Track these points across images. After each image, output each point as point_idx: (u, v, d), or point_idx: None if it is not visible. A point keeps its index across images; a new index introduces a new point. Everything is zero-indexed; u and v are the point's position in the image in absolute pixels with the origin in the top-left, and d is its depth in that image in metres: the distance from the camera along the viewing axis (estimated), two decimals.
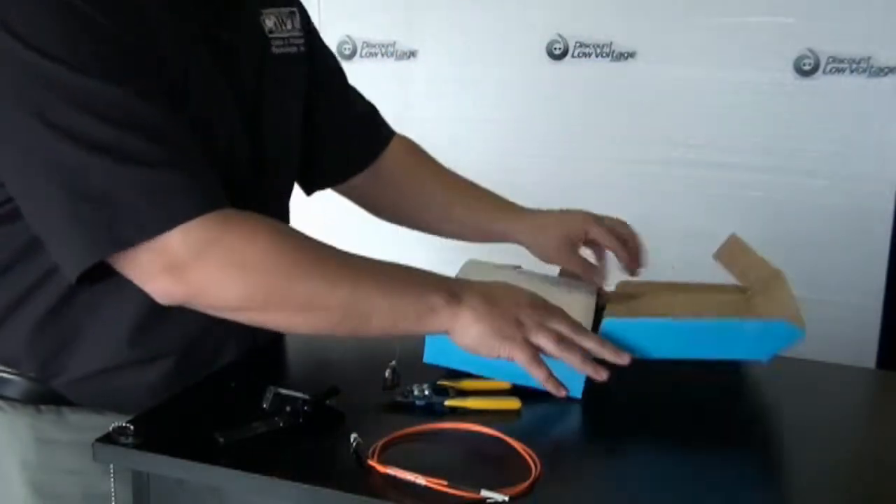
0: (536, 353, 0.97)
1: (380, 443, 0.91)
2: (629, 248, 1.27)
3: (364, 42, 2.44)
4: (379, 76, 2.41)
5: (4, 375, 1.07)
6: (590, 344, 0.99)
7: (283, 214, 1.23)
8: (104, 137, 0.90)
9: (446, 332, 0.99)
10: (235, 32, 1.08)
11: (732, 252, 1.22)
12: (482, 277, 1.08)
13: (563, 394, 0.98)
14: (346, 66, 2.38)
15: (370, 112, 1.37)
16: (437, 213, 1.36)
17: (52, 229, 0.94)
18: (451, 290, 0.98)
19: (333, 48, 2.42)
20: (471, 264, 1.25)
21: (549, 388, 0.98)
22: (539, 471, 0.85)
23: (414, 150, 1.40)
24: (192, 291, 0.94)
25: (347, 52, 2.45)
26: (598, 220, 1.28)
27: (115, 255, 0.92)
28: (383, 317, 0.97)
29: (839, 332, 2.07)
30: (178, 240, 0.91)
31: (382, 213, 1.40)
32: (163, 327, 1.06)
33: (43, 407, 1.07)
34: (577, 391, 1.03)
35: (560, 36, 2.26)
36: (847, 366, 1.26)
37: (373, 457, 0.88)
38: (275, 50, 1.14)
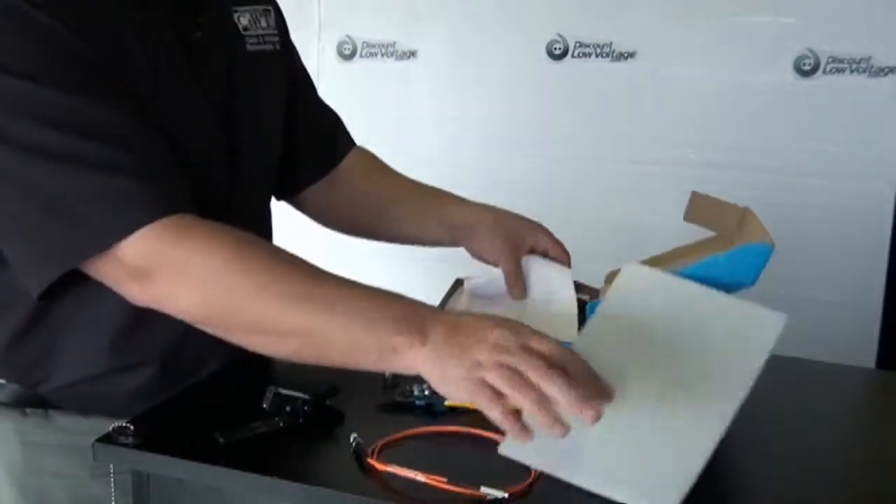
0: (492, 392, 0.81)
1: (379, 443, 0.91)
2: None
3: (364, 42, 2.43)
4: (379, 76, 2.41)
5: None
6: (552, 391, 0.79)
7: (263, 213, 1.22)
8: (61, 147, 0.89)
9: (401, 367, 0.86)
10: (207, 31, 1.07)
11: (699, 208, 1.23)
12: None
13: (527, 437, 0.81)
14: (346, 66, 2.38)
15: (334, 121, 1.35)
16: (391, 219, 1.31)
17: (12, 246, 0.94)
18: (416, 326, 0.85)
19: (333, 48, 2.44)
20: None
21: (508, 427, 0.81)
22: (538, 471, 0.85)
23: (370, 160, 1.35)
24: (155, 299, 0.92)
25: (347, 52, 2.45)
26: (548, 233, 1.27)
27: (82, 266, 0.92)
28: (342, 352, 0.88)
29: (839, 332, 2.07)
30: (134, 248, 0.89)
31: (335, 224, 1.36)
32: (143, 335, 1.05)
33: (28, 410, 1.07)
34: None
35: (560, 36, 2.26)
36: (847, 366, 1.26)
37: (372, 456, 0.88)
38: (249, 47, 1.13)
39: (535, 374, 0.80)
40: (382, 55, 2.43)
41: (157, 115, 0.98)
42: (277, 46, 1.18)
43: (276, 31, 1.18)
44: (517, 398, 0.80)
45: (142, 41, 0.98)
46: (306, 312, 0.88)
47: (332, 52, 2.44)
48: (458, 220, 1.26)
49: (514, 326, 0.85)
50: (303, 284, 0.89)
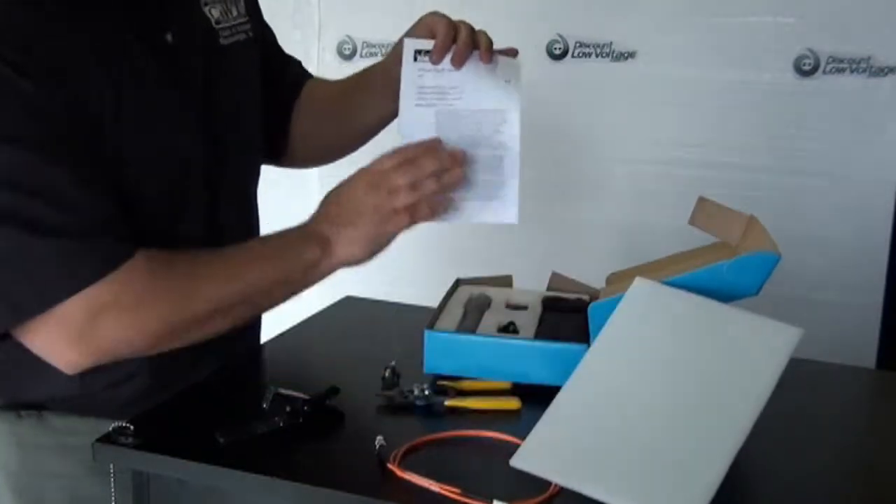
0: (405, 211, 1.04)
1: (403, 448, 0.90)
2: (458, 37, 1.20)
3: (364, 42, 2.43)
4: None
5: None
6: (425, 170, 1.05)
7: (248, 203, 1.22)
8: (5, 206, 0.89)
9: (341, 266, 1.06)
10: (177, 32, 1.05)
11: (705, 214, 1.24)
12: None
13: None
14: (346, 66, 2.38)
15: (294, 66, 1.36)
16: (355, 110, 1.31)
17: None
18: (319, 237, 1.05)
19: (333, 48, 2.43)
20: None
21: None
22: (557, 487, 0.85)
23: (316, 81, 1.37)
24: (99, 354, 0.96)
25: (347, 52, 2.44)
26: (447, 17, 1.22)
27: (16, 328, 0.92)
28: (280, 290, 1.05)
29: (839, 332, 2.06)
30: (71, 310, 0.91)
31: (323, 151, 1.36)
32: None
33: (23, 412, 1.07)
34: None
35: (560, 36, 2.26)
36: (847, 366, 1.26)
37: (394, 461, 0.88)
38: (223, 41, 1.12)
39: (414, 175, 1.04)
40: (382, 55, 2.42)
41: (127, 131, 0.97)
42: (250, 34, 1.17)
43: (246, 19, 1.17)
44: (426, 190, 1.04)
45: (103, 59, 0.96)
46: (241, 280, 1.02)
47: (332, 52, 2.43)
48: (383, 64, 1.27)
49: (364, 174, 1.06)
50: (220, 262, 1.03)
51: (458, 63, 1.14)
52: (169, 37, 1.04)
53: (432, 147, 1.07)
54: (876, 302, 2.11)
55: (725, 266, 1.03)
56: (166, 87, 1.03)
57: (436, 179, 1.05)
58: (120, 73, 0.97)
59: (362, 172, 1.07)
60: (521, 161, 1.16)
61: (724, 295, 1.03)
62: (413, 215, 1.04)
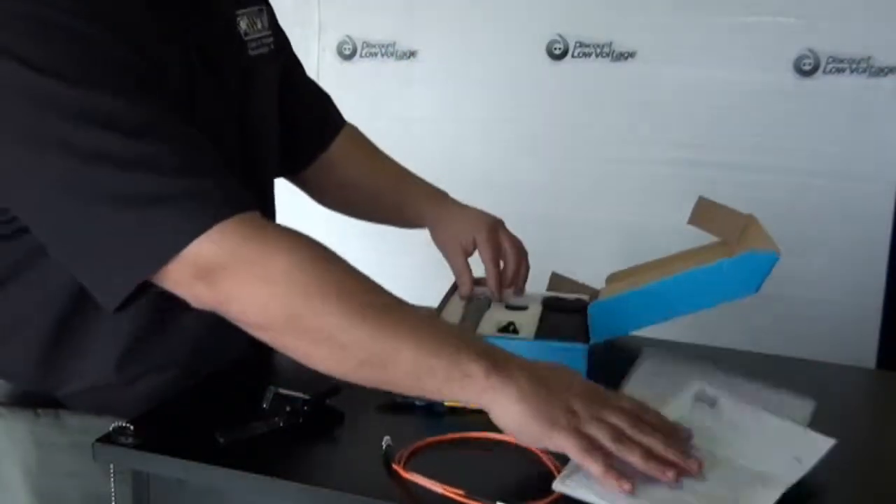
0: (590, 443, 0.83)
1: (409, 448, 0.90)
2: (505, 271, 1.25)
3: (364, 42, 2.43)
4: (379, 76, 2.41)
5: (2, 381, 1.07)
6: (651, 442, 0.84)
7: (269, 212, 1.23)
8: (127, 153, 0.87)
9: (481, 406, 0.86)
10: (215, 42, 1.07)
11: (704, 213, 1.24)
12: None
13: (626, 488, 0.81)
14: (346, 66, 2.38)
15: (322, 102, 1.37)
16: (366, 199, 1.37)
17: (79, 262, 0.92)
18: (494, 359, 0.85)
19: (333, 48, 2.43)
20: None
21: (609, 481, 0.81)
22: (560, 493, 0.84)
23: (356, 146, 1.39)
24: (221, 299, 0.89)
25: (347, 52, 2.45)
26: (493, 230, 1.25)
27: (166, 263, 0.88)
28: (406, 370, 0.86)
29: (839, 332, 2.07)
30: (207, 246, 0.86)
31: (330, 206, 1.40)
32: (166, 339, 1.05)
33: (41, 411, 1.07)
34: None
35: (560, 36, 2.26)
36: (847, 366, 1.26)
37: (400, 462, 0.88)
38: (251, 52, 1.13)
39: (633, 431, 0.84)
40: (382, 55, 2.42)
41: (199, 113, 0.99)
42: (272, 47, 1.19)
43: (269, 32, 1.19)
44: (624, 453, 0.82)
45: (169, 56, 0.98)
46: (374, 327, 0.86)
47: (332, 52, 2.44)
48: (420, 220, 1.33)
49: (590, 383, 0.89)
50: (373, 299, 0.88)
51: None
52: (209, 45, 1.05)
53: (679, 430, 0.89)
54: (876, 302, 2.11)
55: (725, 264, 1.03)
56: (210, 93, 1.04)
57: (643, 454, 0.83)
58: (183, 69, 0.99)
59: (589, 383, 0.91)
60: None
61: (723, 293, 1.03)
62: (570, 445, 0.83)
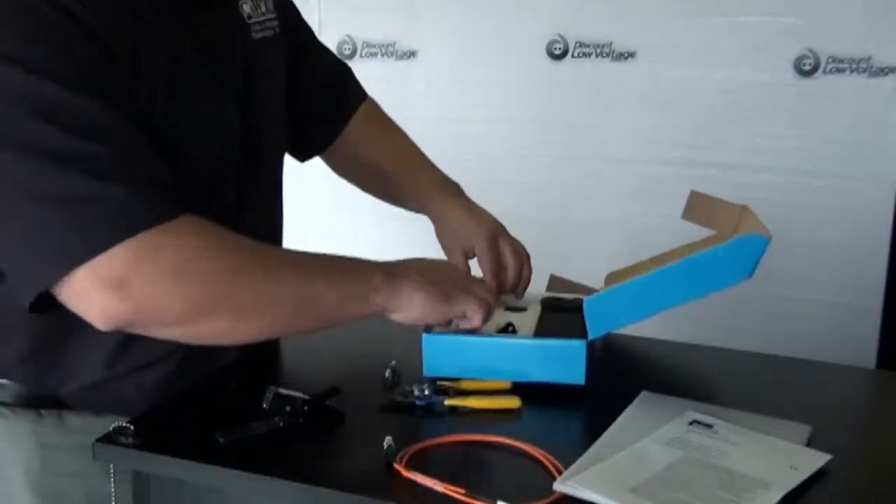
0: (478, 301, 1.06)
1: (411, 449, 0.90)
2: (504, 281, 1.25)
3: (364, 42, 2.44)
4: (379, 76, 2.40)
5: (4, 382, 1.07)
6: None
7: (276, 193, 1.24)
8: (68, 149, 0.87)
9: (388, 310, 1.02)
10: (217, 26, 1.07)
11: (697, 207, 1.24)
12: None
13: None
14: None
15: (340, 78, 1.37)
16: (379, 181, 1.37)
17: (5, 255, 0.92)
18: (388, 269, 1.02)
19: (333, 48, 2.42)
20: None
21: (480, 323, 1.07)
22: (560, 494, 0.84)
23: (373, 117, 1.39)
24: (136, 308, 0.90)
25: (347, 52, 2.45)
26: (493, 240, 1.25)
27: (64, 275, 0.89)
28: (330, 304, 0.99)
29: (839, 332, 2.07)
30: (119, 255, 0.88)
31: (347, 179, 1.41)
32: (149, 339, 1.03)
33: (44, 411, 1.07)
34: (579, 377, 1.04)
35: (560, 36, 2.26)
36: (847, 366, 1.26)
37: (401, 462, 0.88)
38: (255, 35, 1.14)
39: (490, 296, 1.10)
40: (382, 55, 2.43)
41: (181, 102, 0.99)
42: (277, 30, 1.19)
43: (274, 14, 1.18)
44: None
45: (158, 41, 0.98)
46: (295, 278, 0.97)
47: None
48: (425, 211, 1.33)
49: (456, 268, 1.18)
50: (281, 257, 1.01)
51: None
52: (209, 30, 1.06)
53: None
54: (876, 302, 2.11)
55: (718, 251, 1.03)
56: (209, 78, 1.05)
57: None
58: (175, 54, 0.99)
59: (455, 268, 1.18)
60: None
61: (718, 281, 1.03)
62: (467, 314, 1.07)
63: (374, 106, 1.40)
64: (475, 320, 1.06)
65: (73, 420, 1.07)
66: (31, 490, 1.07)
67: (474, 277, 1.17)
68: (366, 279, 1.00)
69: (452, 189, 1.32)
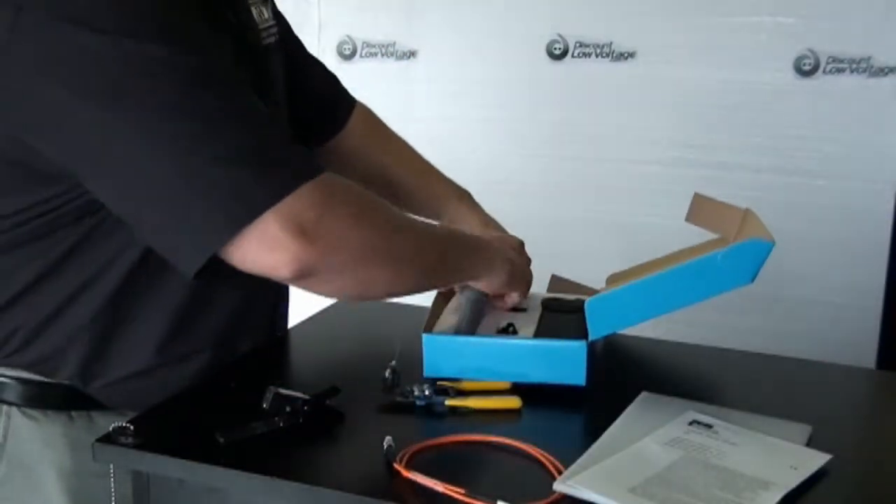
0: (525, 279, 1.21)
1: (411, 449, 0.90)
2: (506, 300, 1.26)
3: (364, 42, 2.44)
4: (379, 76, 2.41)
5: (38, 382, 1.06)
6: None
7: None
8: (221, 110, 0.90)
9: (480, 279, 1.14)
10: (245, 29, 1.09)
11: (701, 210, 1.24)
12: None
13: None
14: (346, 66, 2.37)
15: (331, 85, 1.38)
16: (384, 188, 1.34)
17: (168, 222, 0.92)
18: (489, 244, 1.16)
19: (333, 48, 2.43)
20: None
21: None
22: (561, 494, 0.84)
23: (370, 122, 1.40)
24: (323, 250, 0.92)
25: (347, 52, 2.45)
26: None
27: (240, 233, 0.89)
28: (454, 268, 1.11)
29: (839, 332, 2.07)
30: (306, 195, 0.90)
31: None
32: (198, 324, 1.07)
33: (74, 413, 1.07)
34: (579, 378, 1.04)
35: (560, 36, 2.26)
36: (847, 366, 1.26)
37: (401, 462, 0.88)
38: (264, 42, 1.14)
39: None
40: (382, 55, 2.43)
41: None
42: (277, 38, 1.19)
43: (274, 22, 1.19)
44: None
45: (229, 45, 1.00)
46: (433, 239, 1.08)
47: (332, 52, 2.44)
48: (437, 219, 1.33)
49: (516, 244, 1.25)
50: (416, 220, 1.09)
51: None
52: (248, 35, 1.08)
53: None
54: (876, 302, 2.11)
55: (719, 255, 1.03)
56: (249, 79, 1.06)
57: None
58: (234, 48, 1.02)
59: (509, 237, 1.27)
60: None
61: (719, 284, 1.03)
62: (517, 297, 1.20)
63: (370, 112, 1.41)
64: (516, 298, 1.20)
65: (102, 421, 1.06)
66: (66, 492, 1.06)
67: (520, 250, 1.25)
68: (490, 257, 1.14)
69: (465, 197, 1.35)
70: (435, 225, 1.16)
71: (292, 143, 0.97)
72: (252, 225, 0.88)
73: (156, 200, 0.91)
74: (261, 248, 0.90)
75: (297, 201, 0.89)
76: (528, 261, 1.25)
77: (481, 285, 1.15)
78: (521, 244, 1.26)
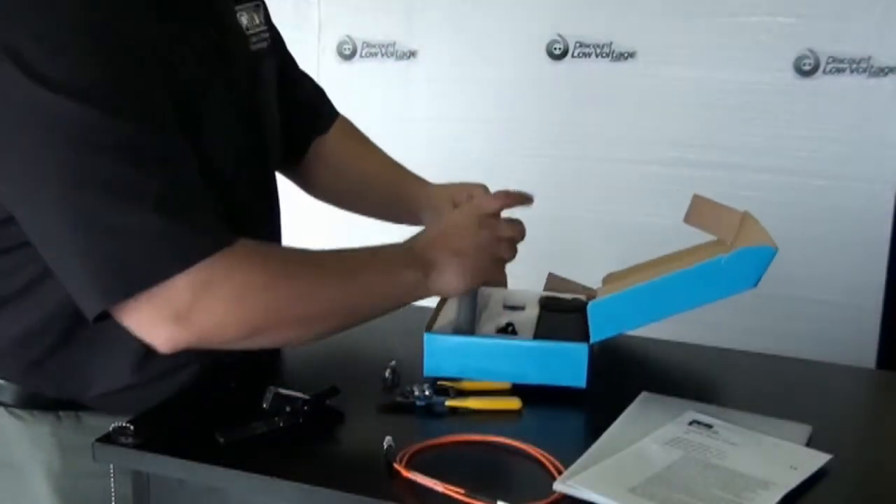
0: (501, 262, 1.12)
1: (411, 449, 0.90)
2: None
3: (364, 42, 2.43)
4: (379, 76, 2.41)
5: (18, 386, 1.06)
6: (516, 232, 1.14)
7: (276, 205, 1.25)
8: (118, 179, 0.89)
9: (429, 294, 1.07)
10: (225, 37, 1.08)
11: (700, 211, 1.24)
12: None
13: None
14: (346, 66, 2.37)
15: (316, 94, 1.38)
16: (359, 188, 1.39)
17: (64, 272, 0.93)
18: (423, 260, 1.05)
19: (333, 48, 2.44)
20: None
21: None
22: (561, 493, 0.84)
23: (350, 133, 1.40)
24: (199, 334, 0.93)
25: (347, 52, 2.45)
26: (487, 189, 1.28)
27: (118, 305, 0.91)
28: (379, 304, 1.04)
29: (839, 332, 2.07)
30: (180, 286, 0.90)
31: (318, 195, 1.41)
32: None
33: (62, 413, 1.07)
34: (580, 380, 1.04)
35: (560, 36, 2.26)
36: (847, 366, 1.26)
37: (401, 462, 0.88)
38: (252, 47, 1.14)
39: (514, 232, 1.14)
40: (382, 55, 2.43)
41: (206, 131, 1.00)
42: (268, 42, 1.20)
43: (266, 27, 1.19)
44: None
45: (189, 55, 0.99)
46: (343, 291, 1.02)
47: (332, 52, 2.44)
48: (415, 202, 1.33)
49: (482, 217, 1.12)
50: (326, 268, 1.02)
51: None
52: (226, 41, 1.07)
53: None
54: (876, 302, 2.11)
55: (723, 260, 1.03)
56: (224, 91, 1.06)
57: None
58: (203, 67, 1.01)
59: (472, 209, 1.14)
60: None
61: (722, 289, 1.03)
62: (500, 267, 1.13)
63: (350, 122, 1.41)
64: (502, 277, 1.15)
65: (91, 420, 1.07)
66: (54, 492, 1.06)
67: (489, 221, 1.12)
68: (403, 280, 1.04)
69: (432, 184, 1.35)
70: (355, 257, 1.04)
71: (200, 211, 0.94)
72: (128, 303, 0.90)
73: (57, 248, 0.92)
74: (140, 324, 0.93)
75: (173, 286, 0.90)
76: (497, 227, 1.12)
77: (444, 294, 1.10)
78: (483, 216, 1.12)
